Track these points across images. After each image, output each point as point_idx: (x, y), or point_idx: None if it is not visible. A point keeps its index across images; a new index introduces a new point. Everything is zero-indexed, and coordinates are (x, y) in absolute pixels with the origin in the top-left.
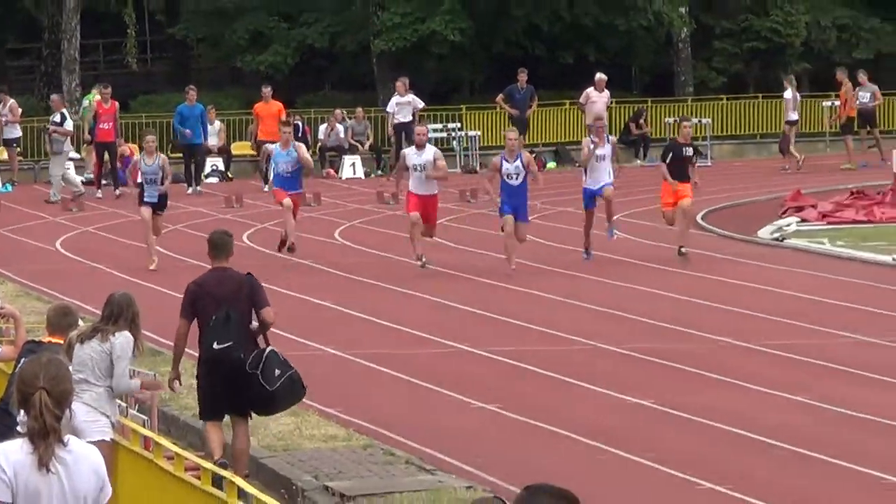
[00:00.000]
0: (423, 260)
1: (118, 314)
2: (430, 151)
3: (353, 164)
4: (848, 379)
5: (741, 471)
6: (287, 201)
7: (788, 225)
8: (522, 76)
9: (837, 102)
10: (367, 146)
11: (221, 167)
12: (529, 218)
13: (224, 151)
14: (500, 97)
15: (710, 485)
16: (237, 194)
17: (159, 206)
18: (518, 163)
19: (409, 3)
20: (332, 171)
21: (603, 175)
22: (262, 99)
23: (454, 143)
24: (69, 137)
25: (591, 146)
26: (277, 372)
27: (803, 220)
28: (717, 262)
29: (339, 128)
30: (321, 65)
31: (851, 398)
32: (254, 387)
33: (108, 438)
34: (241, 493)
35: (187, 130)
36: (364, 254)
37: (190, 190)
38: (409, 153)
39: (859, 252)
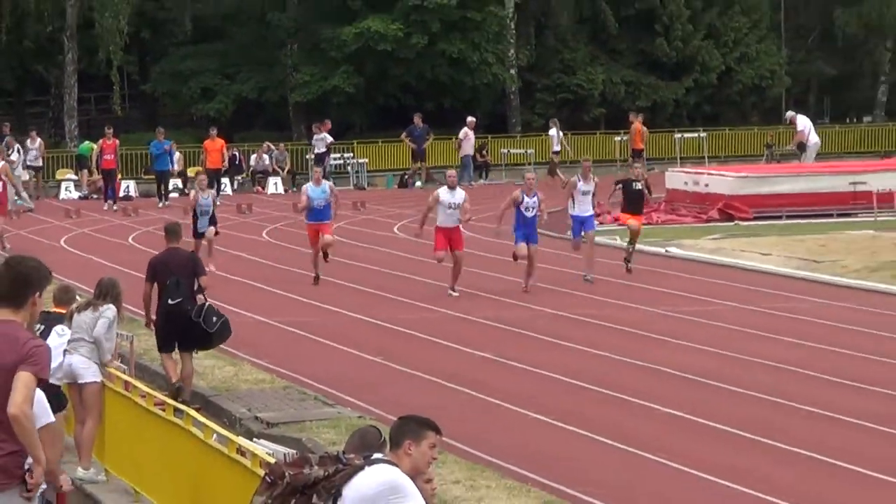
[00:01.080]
0: (455, 293)
1: (105, 292)
2: (461, 193)
3: (276, 184)
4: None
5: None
6: (328, 237)
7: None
8: (418, 118)
9: (626, 137)
10: (286, 170)
11: (181, 186)
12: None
13: (182, 175)
14: (403, 134)
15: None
16: (184, 204)
17: (207, 228)
18: (535, 199)
19: (316, 66)
20: (260, 189)
21: (588, 206)
22: (209, 137)
23: (349, 167)
24: (21, 163)
25: (578, 182)
26: (214, 319)
27: (601, 223)
28: (542, 255)
29: (266, 157)
30: (252, 111)
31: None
32: (197, 330)
33: (98, 380)
34: (196, 422)
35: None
36: (285, 248)
37: (160, 204)
38: (442, 192)
39: (641, 246)
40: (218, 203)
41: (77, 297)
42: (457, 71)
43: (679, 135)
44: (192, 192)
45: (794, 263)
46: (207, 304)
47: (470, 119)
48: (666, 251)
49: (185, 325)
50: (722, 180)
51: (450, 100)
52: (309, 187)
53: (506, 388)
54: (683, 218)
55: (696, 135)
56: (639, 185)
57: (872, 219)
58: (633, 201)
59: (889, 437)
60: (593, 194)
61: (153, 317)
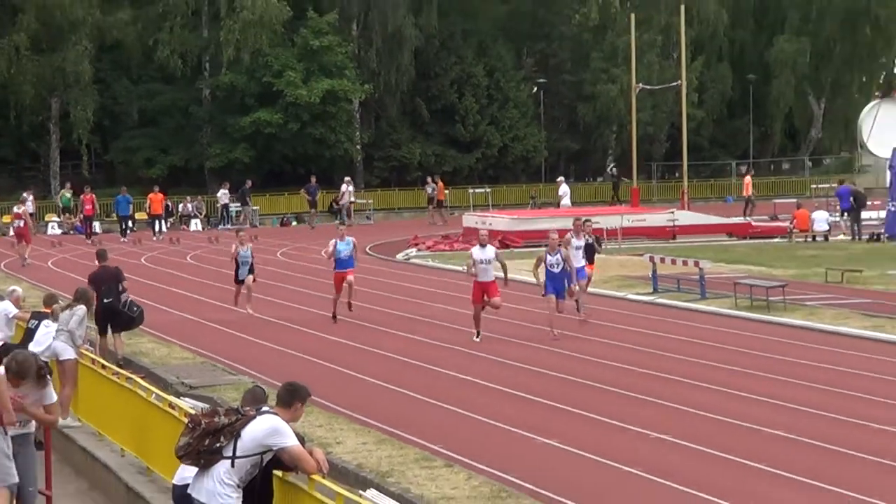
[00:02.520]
0: (479, 338)
1: (79, 298)
2: (491, 249)
3: (196, 224)
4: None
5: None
6: (350, 278)
7: (409, 252)
8: (313, 178)
9: (433, 190)
10: (203, 215)
11: (132, 225)
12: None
13: (132, 217)
14: (302, 190)
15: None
16: (135, 238)
17: (247, 276)
18: (558, 256)
19: (224, 143)
20: (185, 227)
21: (579, 260)
22: (153, 191)
23: (243, 214)
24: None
25: (572, 239)
26: (135, 309)
27: (418, 249)
28: (374, 271)
29: (189, 206)
30: (180, 174)
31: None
32: (124, 316)
33: (73, 357)
34: (141, 386)
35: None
36: (203, 268)
37: (123, 239)
38: (475, 251)
39: (446, 265)
40: (252, 256)
41: (59, 301)
42: (319, 147)
43: (471, 190)
44: (234, 246)
45: None
46: (130, 299)
47: (347, 178)
48: (463, 268)
49: (115, 315)
50: (501, 220)
51: (314, 166)
52: (336, 242)
53: (358, 364)
54: (474, 246)
55: (482, 190)
56: (590, 240)
57: (603, 247)
58: (588, 253)
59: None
60: (584, 249)
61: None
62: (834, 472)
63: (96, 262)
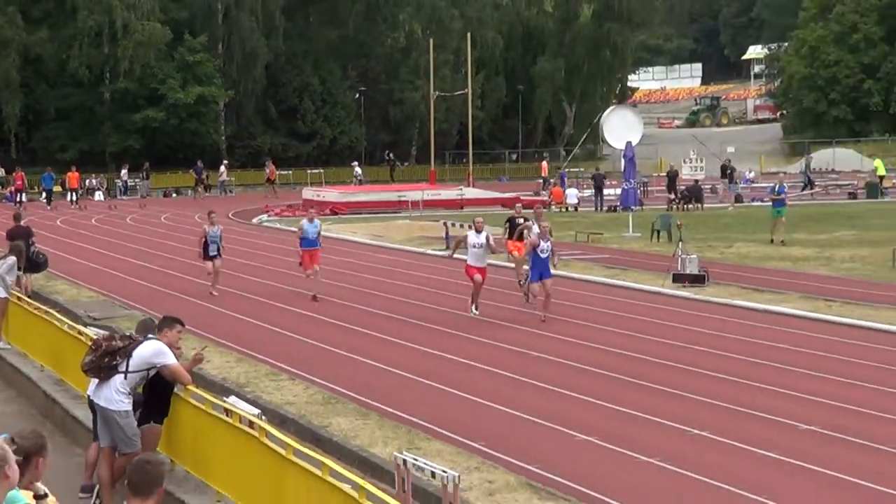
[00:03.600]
0: (477, 312)
1: (11, 250)
2: (485, 235)
3: (100, 195)
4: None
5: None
6: (315, 267)
7: (262, 217)
8: (200, 162)
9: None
10: (104, 188)
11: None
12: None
13: (50, 192)
14: (192, 170)
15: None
16: (54, 206)
17: (217, 256)
18: (548, 243)
19: (120, 134)
20: (90, 198)
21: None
22: (71, 170)
23: (139, 187)
24: None
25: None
26: (41, 256)
27: (269, 215)
28: (237, 232)
29: (94, 181)
30: (87, 157)
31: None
32: (33, 262)
33: (5, 295)
34: (57, 318)
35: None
36: (106, 229)
37: (49, 207)
38: (471, 235)
39: (289, 227)
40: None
41: None
42: (194, 137)
43: (309, 171)
44: (205, 227)
45: (368, 237)
46: (37, 249)
47: (225, 161)
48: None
49: (27, 260)
50: (331, 193)
51: (190, 152)
52: (305, 223)
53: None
54: (469, 231)
55: (319, 171)
56: (520, 220)
57: (408, 215)
58: (514, 233)
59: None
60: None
61: None
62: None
63: (13, 222)
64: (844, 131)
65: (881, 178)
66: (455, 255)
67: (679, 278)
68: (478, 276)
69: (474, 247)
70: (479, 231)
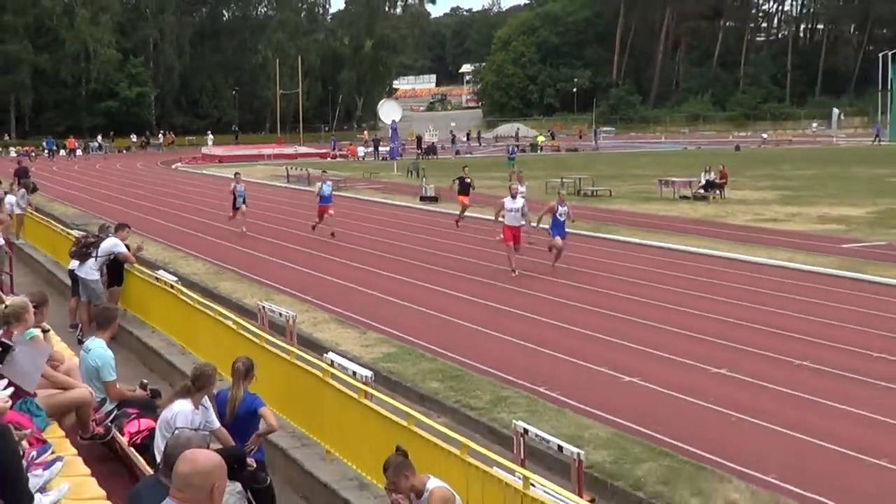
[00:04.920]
0: (517, 272)
1: (25, 186)
2: (520, 201)
3: (79, 152)
4: None
5: None
6: (331, 212)
7: (178, 165)
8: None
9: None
10: (83, 148)
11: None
12: None
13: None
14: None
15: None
16: (54, 159)
17: (243, 204)
18: (566, 208)
19: (94, 116)
20: (75, 156)
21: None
22: (69, 138)
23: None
24: None
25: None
26: (32, 183)
27: (183, 164)
28: (163, 174)
29: (76, 144)
30: (72, 130)
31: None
32: (31, 186)
33: (21, 211)
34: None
35: None
36: (90, 173)
37: (50, 160)
38: (507, 201)
39: (201, 171)
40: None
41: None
42: (136, 118)
43: (205, 137)
44: (233, 184)
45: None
46: (33, 180)
47: (161, 132)
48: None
49: (25, 187)
50: (218, 150)
51: (134, 127)
52: (322, 185)
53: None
54: (506, 198)
55: (211, 137)
56: (468, 180)
57: (265, 163)
58: (464, 189)
59: None
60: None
61: None
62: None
63: (18, 163)
64: (517, 115)
65: (540, 143)
66: (499, 219)
67: (423, 199)
68: (514, 243)
69: (510, 210)
70: (514, 197)
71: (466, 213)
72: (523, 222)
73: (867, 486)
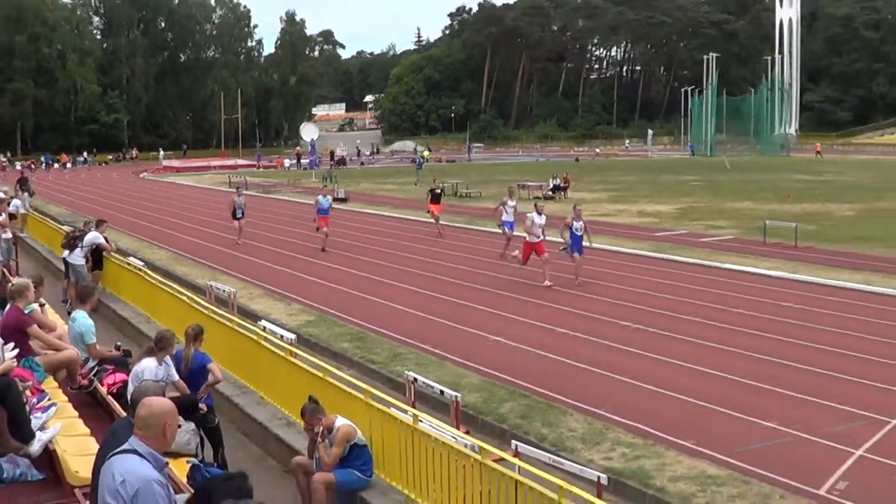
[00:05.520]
0: (549, 283)
1: (24, 191)
2: (544, 217)
3: (69, 165)
4: None
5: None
6: (328, 222)
7: (144, 174)
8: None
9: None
10: (72, 162)
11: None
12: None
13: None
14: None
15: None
16: (51, 171)
17: (241, 217)
18: (581, 223)
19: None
20: (66, 168)
21: (511, 216)
22: (62, 154)
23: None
24: None
25: (508, 201)
26: (31, 187)
27: (149, 173)
28: (131, 181)
29: (67, 159)
30: (63, 147)
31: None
32: (30, 190)
33: (24, 211)
34: None
35: None
36: (76, 181)
37: (47, 172)
38: (535, 217)
39: (164, 179)
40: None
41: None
42: (113, 138)
43: (164, 152)
44: (233, 197)
45: (193, 182)
46: (31, 184)
47: (133, 149)
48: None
49: (27, 190)
50: (175, 162)
51: (112, 145)
52: (321, 198)
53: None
54: (532, 213)
55: (170, 152)
56: (438, 190)
57: (212, 173)
58: (436, 199)
59: None
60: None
61: None
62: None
63: (21, 174)
64: (408, 134)
65: (425, 157)
66: (498, 227)
67: (336, 200)
68: (545, 255)
69: (539, 226)
70: (539, 213)
71: (441, 221)
72: (542, 237)
73: (670, 413)
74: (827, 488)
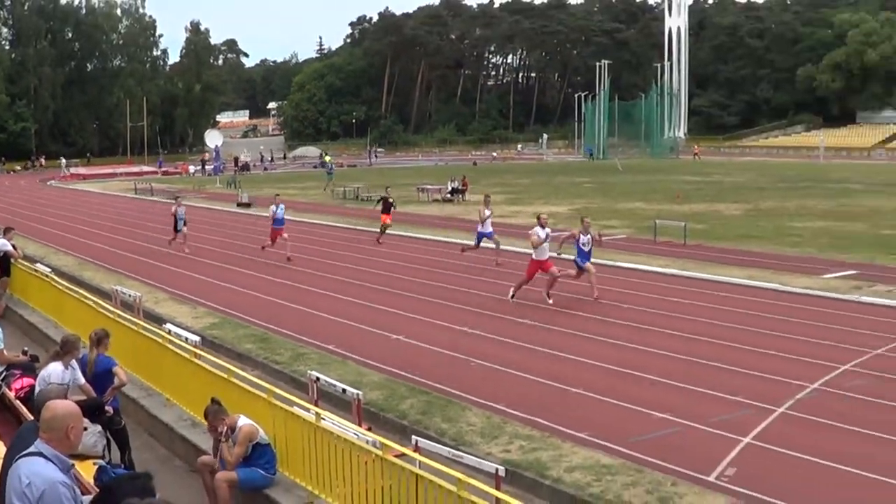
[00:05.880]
0: (514, 298)
1: None
2: (548, 230)
3: None
4: None
5: None
6: (285, 235)
7: (52, 182)
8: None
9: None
10: None
11: None
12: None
13: None
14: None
15: None
16: None
17: (183, 227)
18: (589, 237)
19: None
20: None
21: (489, 226)
22: None
23: None
24: None
25: (486, 211)
26: None
27: (57, 181)
28: (42, 190)
29: None
30: None
31: None
32: None
33: None
34: None
35: None
36: None
37: None
38: (539, 230)
39: (75, 186)
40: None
41: None
42: (21, 146)
43: (66, 160)
44: (174, 207)
45: (100, 189)
46: None
47: (42, 156)
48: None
49: None
50: (82, 170)
51: (21, 153)
52: (274, 208)
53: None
54: (535, 227)
55: (76, 160)
56: (391, 200)
57: (119, 180)
58: (386, 208)
59: None
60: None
61: None
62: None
63: None
64: (311, 140)
65: (327, 161)
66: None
67: (240, 205)
68: (553, 269)
69: (545, 241)
70: (543, 226)
71: (388, 231)
72: (551, 254)
73: (566, 406)
74: (716, 475)
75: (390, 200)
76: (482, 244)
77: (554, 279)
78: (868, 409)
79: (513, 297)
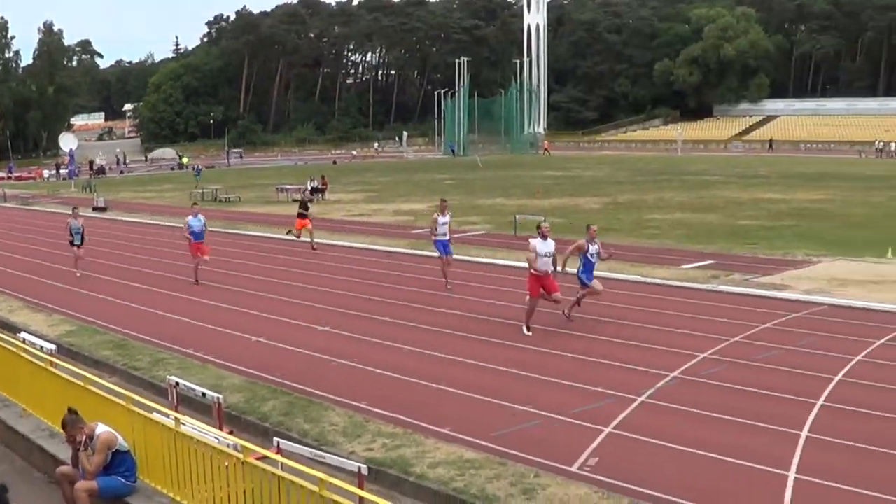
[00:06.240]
0: (529, 332)
1: None
2: (552, 243)
3: None
4: None
5: None
6: (206, 258)
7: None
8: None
9: None
10: None
11: None
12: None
13: None
14: None
15: None
16: None
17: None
18: (597, 247)
19: None
20: None
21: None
22: None
23: None
24: None
25: (439, 217)
26: None
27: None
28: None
29: None
30: None
31: None
32: None
33: None
34: None
35: None
36: None
37: None
38: (539, 244)
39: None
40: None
41: None
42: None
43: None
44: (69, 219)
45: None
46: None
47: None
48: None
49: None
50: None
51: None
52: (191, 219)
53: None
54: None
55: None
56: (309, 202)
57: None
58: (303, 211)
59: None
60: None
61: None
62: None
63: None
64: (168, 142)
65: (185, 162)
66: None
67: (96, 209)
68: (556, 294)
69: (543, 255)
70: (545, 238)
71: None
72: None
73: (427, 402)
74: (579, 465)
75: (307, 203)
76: (441, 252)
77: (557, 301)
78: (726, 395)
79: (528, 329)
